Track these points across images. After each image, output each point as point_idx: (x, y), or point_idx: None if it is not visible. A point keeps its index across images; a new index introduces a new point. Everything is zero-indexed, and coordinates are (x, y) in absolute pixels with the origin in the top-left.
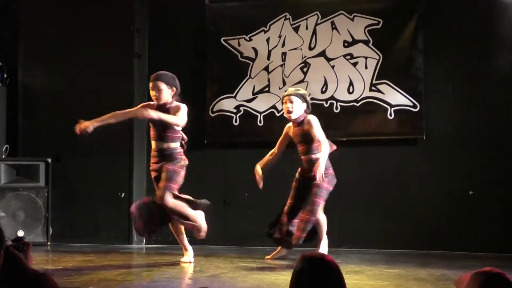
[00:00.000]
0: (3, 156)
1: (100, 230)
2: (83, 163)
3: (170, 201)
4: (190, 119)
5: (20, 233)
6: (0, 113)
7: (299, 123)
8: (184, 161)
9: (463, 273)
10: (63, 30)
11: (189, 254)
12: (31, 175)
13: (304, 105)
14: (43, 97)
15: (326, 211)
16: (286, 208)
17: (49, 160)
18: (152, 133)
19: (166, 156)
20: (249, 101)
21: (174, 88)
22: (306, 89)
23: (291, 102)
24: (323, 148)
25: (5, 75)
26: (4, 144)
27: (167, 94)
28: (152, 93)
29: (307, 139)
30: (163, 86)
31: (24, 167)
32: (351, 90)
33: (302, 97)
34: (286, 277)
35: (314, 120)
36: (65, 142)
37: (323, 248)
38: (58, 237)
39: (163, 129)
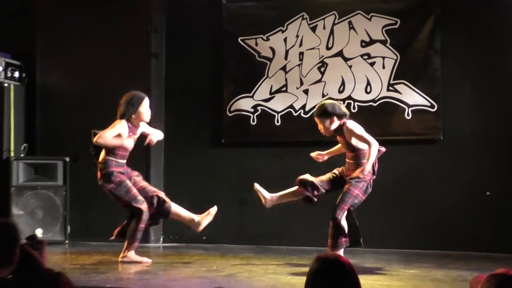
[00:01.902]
0: (22, 155)
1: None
2: None
3: None
4: (208, 119)
5: (39, 232)
6: (19, 112)
7: (338, 132)
8: None
9: (479, 274)
10: (81, 30)
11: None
12: (49, 174)
13: (332, 119)
14: (61, 97)
15: None
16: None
17: (67, 159)
18: None
19: None
20: (267, 100)
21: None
22: (323, 89)
23: (320, 123)
24: (372, 150)
25: (24, 75)
26: (23, 143)
27: None
28: None
29: (352, 148)
30: None
31: (42, 166)
32: (368, 90)
33: (325, 114)
34: (301, 277)
35: (353, 126)
36: (83, 141)
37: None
38: (75, 236)
39: None
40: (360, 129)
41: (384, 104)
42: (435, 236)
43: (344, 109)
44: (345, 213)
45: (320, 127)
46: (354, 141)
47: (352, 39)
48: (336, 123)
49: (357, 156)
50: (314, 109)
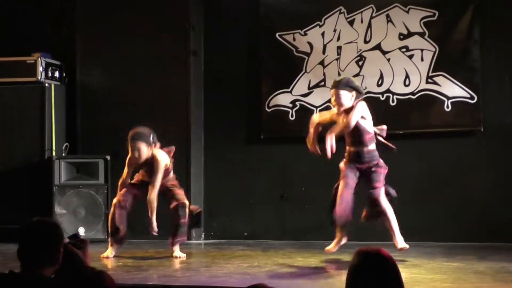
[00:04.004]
0: (63, 154)
1: (159, 226)
2: None
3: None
4: (246, 115)
5: (81, 231)
6: (60, 111)
7: (347, 111)
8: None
9: None
10: (120, 29)
11: None
12: (91, 172)
13: (353, 93)
14: (101, 95)
15: None
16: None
17: (108, 157)
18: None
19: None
20: (305, 95)
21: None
22: (361, 83)
23: (338, 96)
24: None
25: (64, 74)
26: (64, 142)
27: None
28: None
29: (357, 128)
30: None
31: (83, 164)
32: (407, 82)
33: (349, 85)
34: (343, 271)
35: (358, 105)
36: (123, 139)
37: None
38: None
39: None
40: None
41: (423, 97)
42: (478, 229)
43: (362, 90)
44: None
45: (336, 99)
46: (362, 122)
47: (390, 32)
48: (352, 100)
49: (362, 141)
50: (332, 82)
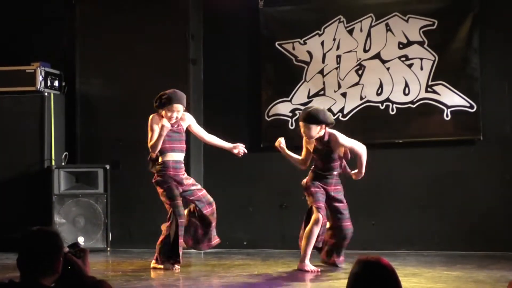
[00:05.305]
0: (63, 164)
1: (158, 235)
2: (141, 169)
3: None
4: (246, 124)
5: (80, 239)
6: (59, 121)
7: (321, 140)
8: None
9: None
10: (119, 38)
11: None
12: (90, 181)
13: (322, 126)
14: (100, 105)
15: (383, 212)
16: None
17: (108, 166)
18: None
19: None
20: (305, 104)
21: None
22: (361, 92)
23: (308, 129)
24: (361, 149)
25: (63, 83)
26: (64, 151)
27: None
28: None
29: (331, 157)
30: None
31: (83, 174)
32: (406, 91)
33: (316, 121)
34: (343, 280)
35: (338, 135)
36: (123, 148)
37: None
38: (117, 243)
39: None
40: (347, 139)
41: (423, 106)
42: (477, 238)
43: (332, 118)
44: None
45: (306, 132)
46: (336, 152)
47: (389, 41)
48: (322, 131)
49: (331, 168)
50: (301, 113)
